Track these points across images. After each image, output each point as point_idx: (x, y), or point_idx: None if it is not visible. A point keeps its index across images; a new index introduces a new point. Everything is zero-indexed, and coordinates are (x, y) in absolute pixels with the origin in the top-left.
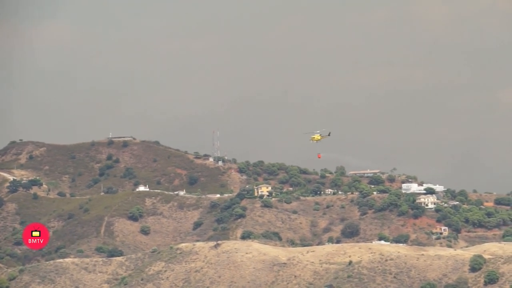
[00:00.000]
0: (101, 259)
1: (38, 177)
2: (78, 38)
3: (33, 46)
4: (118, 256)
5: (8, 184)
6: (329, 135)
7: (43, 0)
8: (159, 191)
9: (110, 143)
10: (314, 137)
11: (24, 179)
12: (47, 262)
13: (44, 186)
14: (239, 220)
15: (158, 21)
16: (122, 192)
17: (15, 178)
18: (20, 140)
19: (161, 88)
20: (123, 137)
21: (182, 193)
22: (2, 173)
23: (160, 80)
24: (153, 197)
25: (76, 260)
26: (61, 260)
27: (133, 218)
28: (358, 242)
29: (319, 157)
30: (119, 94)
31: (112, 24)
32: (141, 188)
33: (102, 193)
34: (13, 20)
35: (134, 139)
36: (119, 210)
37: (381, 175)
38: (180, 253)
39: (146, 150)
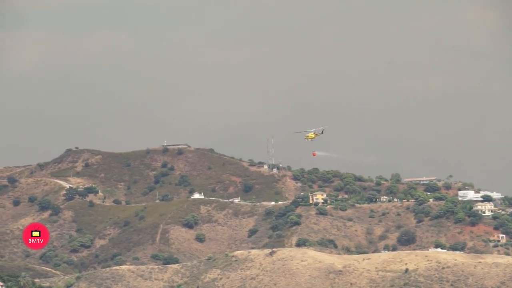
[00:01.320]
0: (157, 266)
1: (94, 185)
2: (132, 47)
3: (87, 54)
4: (174, 263)
5: (64, 192)
6: (322, 133)
7: (98, 11)
8: (214, 198)
9: (165, 150)
10: (308, 136)
11: (80, 186)
12: (103, 269)
13: (100, 193)
14: (294, 227)
15: (212, 29)
16: (177, 200)
17: (71, 186)
18: (76, 148)
19: (216, 96)
20: (178, 145)
21: (237, 200)
22: (58, 181)
23: (215, 88)
24: (208, 205)
25: (132, 267)
26: (117, 267)
27: (188, 225)
28: (414, 249)
29: (314, 155)
30: (174, 102)
31: (166, 31)
32: (196, 195)
33: (157, 201)
34: (66, 31)
35: (189, 146)
36: (174, 217)
37: (437, 182)
38: (236, 260)
39: (201, 158)
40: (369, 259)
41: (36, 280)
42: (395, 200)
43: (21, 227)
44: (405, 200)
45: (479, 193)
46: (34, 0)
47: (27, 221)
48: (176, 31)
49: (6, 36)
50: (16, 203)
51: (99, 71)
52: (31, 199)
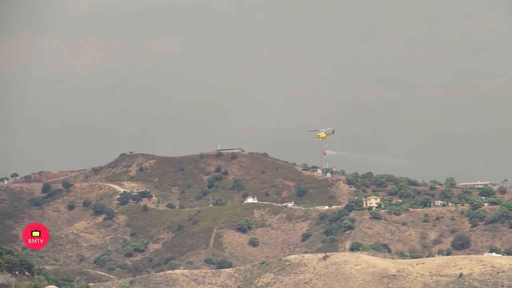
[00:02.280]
0: (210, 270)
1: (148, 189)
2: (187, 52)
3: (143, 59)
4: (227, 267)
5: (118, 196)
6: (333, 132)
7: (154, 16)
8: (267, 202)
9: (219, 155)
10: (319, 135)
11: (134, 191)
12: (157, 274)
13: (154, 198)
14: (347, 231)
15: (266, 34)
16: (231, 204)
17: (125, 190)
18: (130, 152)
19: (270, 100)
20: (232, 149)
21: (290, 204)
22: (112, 185)
23: (269, 92)
24: (261, 209)
25: (185, 271)
26: (171, 271)
27: (242, 229)
28: (469, 254)
29: (325, 154)
30: (228, 106)
31: (222, 36)
32: (250, 200)
33: (211, 205)
34: (122, 36)
35: (243, 151)
36: (228, 221)
37: (492, 186)
38: (289, 264)
39: (254, 162)
40: (423, 263)
41: (90, 284)
42: (450, 204)
43: (75, 231)
44: (460, 204)
45: None
46: (90, 4)
47: (81, 225)
48: (231, 35)
49: (62, 41)
50: (71, 207)
51: (155, 76)
52: (86, 204)
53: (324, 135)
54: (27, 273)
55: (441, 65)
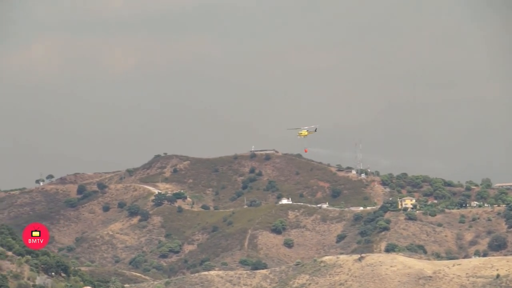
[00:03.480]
0: (245, 271)
1: (182, 191)
2: (220, 53)
3: (178, 60)
4: (262, 269)
5: (153, 197)
6: (315, 131)
7: (187, 17)
8: (302, 204)
9: (253, 156)
10: (301, 133)
11: (169, 192)
12: (192, 275)
13: (188, 199)
14: (383, 233)
15: (299, 34)
16: (265, 205)
17: (160, 191)
18: (165, 153)
19: (304, 100)
20: (266, 150)
21: (325, 206)
22: (147, 187)
23: (303, 93)
24: (296, 210)
25: (220, 272)
26: (206, 272)
27: (277, 231)
28: (505, 255)
29: (306, 152)
30: (262, 107)
31: (254, 37)
32: (284, 201)
33: (245, 206)
34: (157, 38)
35: (277, 152)
36: (262, 223)
37: None
38: (324, 266)
39: (288, 163)
40: (459, 264)
41: (126, 285)
42: (486, 205)
43: (110, 233)
44: (496, 205)
45: None
46: (125, 5)
47: (116, 226)
48: (265, 36)
49: (97, 43)
50: (106, 208)
51: (189, 77)
52: (121, 205)
53: (306, 133)
54: (63, 274)
55: (474, 65)
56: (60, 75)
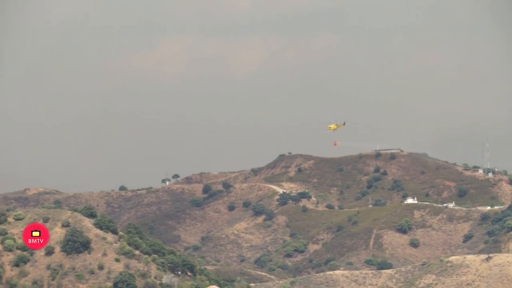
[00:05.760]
0: (370, 271)
1: (307, 190)
2: (346, 51)
3: (303, 59)
4: (388, 268)
5: (278, 197)
6: (344, 124)
7: (315, 16)
8: (427, 203)
9: (378, 155)
10: (330, 127)
11: (293, 192)
12: (317, 274)
13: (313, 198)
14: (511, 232)
15: (424, 33)
16: (390, 205)
17: (284, 191)
18: (289, 153)
19: (428, 99)
20: (391, 149)
21: (451, 205)
22: (272, 186)
23: (427, 92)
24: (421, 210)
25: (345, 272)
26: (331, 272)
27: (402, 230)
28: None
29: (335, 145)
30: (386, 105)
31: (380, 37)
32: (409, 200)
33: (370, 206)
34: (284, 37)
35: (402, 151)
36: (387, 222)
37: None
38: (451, 266)
39: (413, 162)
40: None
41: (251, 284)
42: None
43: (236, 232)
44: None
45: None
46: (252, 6)
47: (241, 226)
48: (391, 36)
49: (223, 43)
50: (231, 208)
51: (313, 76)
52: (246, 204)
53: (335, 126)
54: (189, 273)
55: None
56: (186, 76)
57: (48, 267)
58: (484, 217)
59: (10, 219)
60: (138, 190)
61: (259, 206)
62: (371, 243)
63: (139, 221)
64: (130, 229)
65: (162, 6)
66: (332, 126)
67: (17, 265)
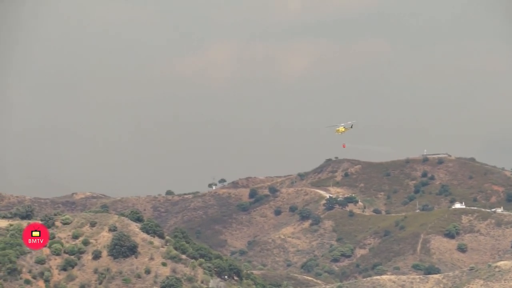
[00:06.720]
0: (418, 276)
1: (353, 195)
2: (392, 54)
3: (350, 63)
4: (435, 273)
5: (324, 201)
6: (351, 127)
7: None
8: (475, 208)
9: (425, 160)
10: (338, 129)
11: (340, 196)
12: (364, 279)
13: (360, 203)
14: None
15: (476, 37)
16: (438, 210)
17: (331, 195)
18: (336, 158)
19: (476, 104)
20: (438, 154)
21: (499, 210)
22: (318, 191)
23: (471, 97)
24: (469, 214)
25: (393, 277)
26: (378, 277)
27: (450, 235)
28: None
29: (344, 147)
30: (434, 110)
31: (425, 42)
32: (457, 205)
33: (417, 210)
34: (335, 41)
35: (449, 156)
36: (435, 227)
37: None
38: (499, 271)
39: (461, 167)
40: None
41: None
42: None
43: (282, 236)
44: None
45: None
46: (302, 9)
47: (288, 230)
48: (435, 40)
49: (270, 47)
50: (277, 212)
51: (361, 81)
52: (292, 209)
53: (343, 129)
54: (235, 278)
55: None
56: (233, 80)
57: (95, 271)
58: None
59: (57, 223)
60: (185, 194)
61: (306, 210)
62: (419, 248)
63: (186, 225)
64: (177, 233)
65: (210, 11)
66: (341, 128)
67: (64, 269)
